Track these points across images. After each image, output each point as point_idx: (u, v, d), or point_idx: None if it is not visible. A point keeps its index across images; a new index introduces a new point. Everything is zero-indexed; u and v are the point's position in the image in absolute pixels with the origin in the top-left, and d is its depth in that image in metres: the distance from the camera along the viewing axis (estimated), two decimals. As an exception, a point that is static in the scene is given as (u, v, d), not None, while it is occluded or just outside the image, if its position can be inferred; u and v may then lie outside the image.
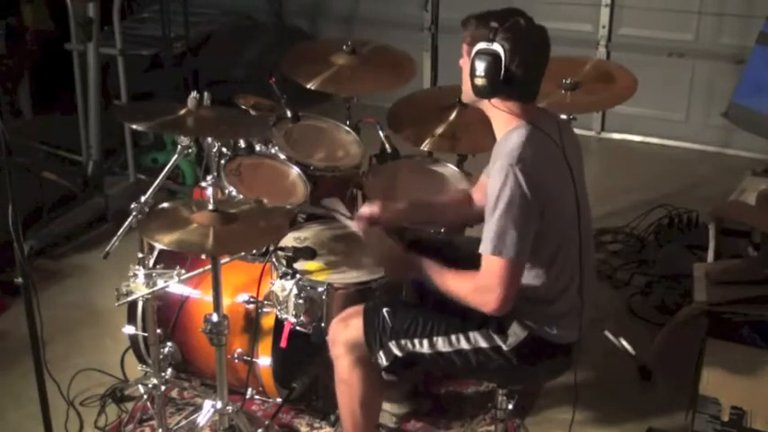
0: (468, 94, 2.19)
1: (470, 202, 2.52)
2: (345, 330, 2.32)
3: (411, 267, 2.27)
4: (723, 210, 3.30)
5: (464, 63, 2.17)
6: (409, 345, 2.25)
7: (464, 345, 2.22)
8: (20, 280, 2.20)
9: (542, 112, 2.23)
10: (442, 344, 2.24)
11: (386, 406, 2.78)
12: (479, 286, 2.08)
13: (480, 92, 2.11)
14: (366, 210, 2.51)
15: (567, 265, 2.18)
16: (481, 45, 2.08)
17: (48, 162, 4.43)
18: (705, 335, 2.73)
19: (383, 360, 2.28)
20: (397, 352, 2.27)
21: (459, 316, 2.22)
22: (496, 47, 2.06)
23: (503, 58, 2.05)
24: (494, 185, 2.05)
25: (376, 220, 2.47)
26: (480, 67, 2.07)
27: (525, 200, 2.02)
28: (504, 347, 2.20)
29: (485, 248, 2.06)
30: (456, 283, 2.15)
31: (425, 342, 2.24)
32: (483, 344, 2.21)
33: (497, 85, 2.08)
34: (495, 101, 2.13)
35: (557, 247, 2.14)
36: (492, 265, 2.05)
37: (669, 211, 4.08)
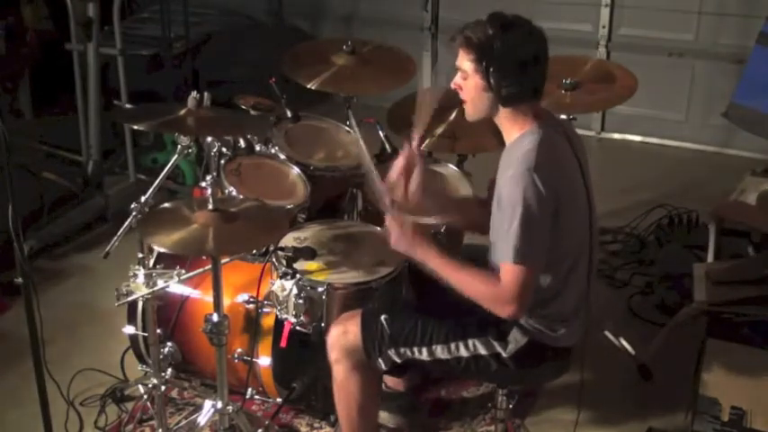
0: (477, 111, 2.14)
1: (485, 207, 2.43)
2: (343, 336, 2.31)
3: (424, 250, 2.18)
4: (723, 210, 3.30)
5: (466, 80, 2.10)
6: (408, 352, 2.25)
7: (463, 352, 2.22)
8: (20, 280, 2.20)
9: (548, 112, 2.21)
10: (441, 351, 2.23)
11: (381, 414, 2.78)
12: (500, 295, 2.05)
13: (508, 100, 2.07)
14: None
15: (576, 266, 2.17)
16: (491, 53, 2.03)
17: (48, 162, 4.43)
18: (705, 335, 2.73)
19: (382, 365, 2.28)
20: (396, 359, 2.26)
21: (459, 322, 2.21)
22: (507, 49, 2.02)
23: (519, 59, 2.02)
24: (510, 192, 2.01)
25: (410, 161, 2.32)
26: (502, 74, 2.03)
27: (544, 205, 2.00)
28: (504, 354, 2.20)
29: (506, 257, 2.03)
30: (471, 283, 2.10)
31: (424, 350, 2.24)
32: (482, 351, 2.21)
33: (521, 88, 2.05)
34: (511, 107, 2.09)
35: (568, 250, 2.13)
36: (513, 274, 2.03)
37: (669, 211, 4.08)
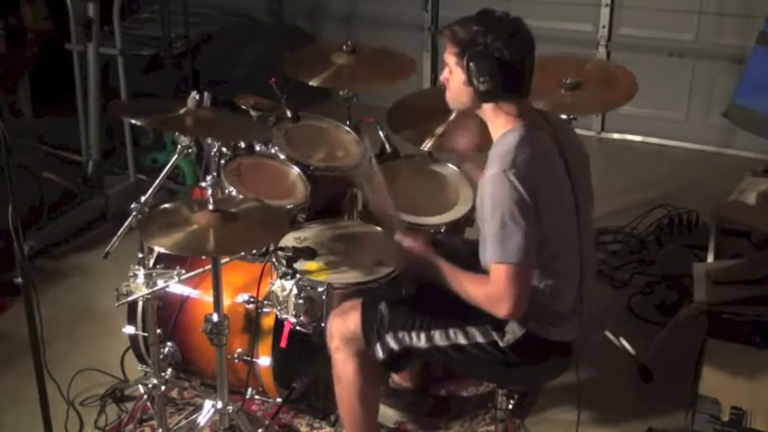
0: (458, 103, 2.20)
1: None
2: (343, 323, 2.33)
3: (427, 264, 2.26)
4: (723, 210, 3.31)
5: (451, 73, 2.16)
6: (406, 338, 2.26)
7: (461, 340, 2.23)
8: (20, 280, 2.20)
9: (538, 111, 2.22)
10: (439, 338, 2.24)
11: (387, 411, 2.78)
12: (491, 295, 2.08)
13: (485, 96, 2.10)
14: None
15: (568, 264, 2.18)
16: (473, 49, 2.07)
17: (48, 162, 4.43)
18: (705, 335, 2.73)
19: (380, 353, 2.28)
20: (393, 345, 2.27)
21: (458, 310, 2.21)
22: (488, 47, 2.05)
23: (499, 57, 2.05)
24: (487, 192, 2.04)
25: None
26: (481, 70, 2.06)
27: (522, 203, 2.01)
28: (501, 344, 2.21)
29: (491, 257, 2.05)
30: (470, 288, 2.14)
31: (423, 336, 2.25)
32: (480, 339, 2.22)
33: (498, 85, 2.07)
34: (489, 103, 2.13)
35: (557, 247, 2.13)
36: (500, 273, 2.04)
37: (669, 211, 4.08)
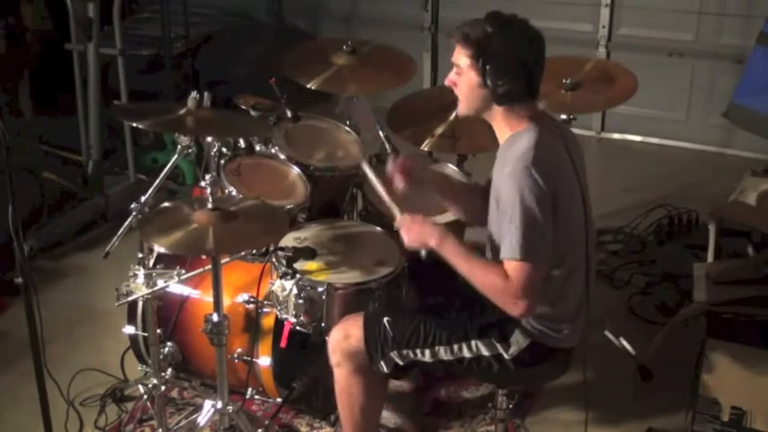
0: (470, 106, 2.13)
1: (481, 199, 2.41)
2: (345, 340, 2.31)
3: (436, 237, 2.15)
4: (723, 210, 3.30)
5: (460, 75, 2.10)
6: (411, 354, 2.25)
7: (466, 353, 2.22)
8: (20, 280, 2.20)
9: (543, 113, 2.21)
10: (443, 353, 2.23)
11: (384, 413, 2.78)
12: (509, 291, 2.03)
13: (503, 98, 2.06)
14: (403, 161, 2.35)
15: (574, 267, 2.17)
16: (489, 51, 2.03)
17: (48, 162, 4.43)
18: (705, 335, 2.73)
19: (384, 368, 2.28)
20: (398, 361, 2.26)
21: (461, 323, 2.21)
22: (505, 48, 2.02)
23: (516, 59, 2.03)
24: (509, 190, 2.01)
25: (408, 169, 2.33)
26: (499, 72, 2.03)
27: (543, 201, 2.00)
28: (506, 356, 2.20)
29: (511, 254, 2.01)
30: (483, 276, 2.08)
31: (427, 352, 2.24)
32: (485, 352, 2.21)
33: (515, 88, 2.05)
34: (505, 105, 2.10)
35: (566, 249, 2.12)
36: (520, 271, 2.02)
37: (669, 211, 4.08)
